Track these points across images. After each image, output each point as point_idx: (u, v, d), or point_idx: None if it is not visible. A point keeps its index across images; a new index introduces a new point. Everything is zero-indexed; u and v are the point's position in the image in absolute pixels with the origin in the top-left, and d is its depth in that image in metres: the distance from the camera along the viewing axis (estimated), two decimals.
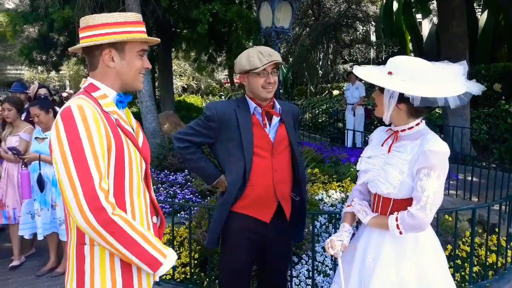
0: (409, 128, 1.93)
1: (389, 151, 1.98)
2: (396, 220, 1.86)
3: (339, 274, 2.00)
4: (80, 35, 1.63)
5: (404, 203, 1.89)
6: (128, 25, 1.61)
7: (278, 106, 2.43)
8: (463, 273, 3.74)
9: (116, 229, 1.44)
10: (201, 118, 2.39)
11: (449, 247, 3.82)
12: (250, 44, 11.47)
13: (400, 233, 1.86)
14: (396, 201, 1.93)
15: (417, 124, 1.93)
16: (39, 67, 12.99)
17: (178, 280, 3.75)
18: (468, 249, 3.90)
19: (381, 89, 1.91)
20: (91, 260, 1.55)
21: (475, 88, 1.83)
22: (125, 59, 1.64)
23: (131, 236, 1.48)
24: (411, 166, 1.85)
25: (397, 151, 1.93)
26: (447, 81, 1.82)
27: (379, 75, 1.92)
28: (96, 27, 1.58)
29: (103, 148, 1.48)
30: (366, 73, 1.98)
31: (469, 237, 3.96)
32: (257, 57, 2.27)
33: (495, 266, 3.91)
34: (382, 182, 1.94)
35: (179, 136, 2.41)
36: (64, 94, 11.31)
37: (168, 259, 1.62)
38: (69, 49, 1.74)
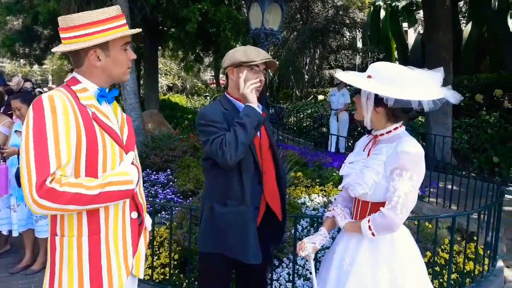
0: (387, 132, 1.97)
1: (368, 154, 2.02)
2: (368, 222, 1.89)
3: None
4: (62, 35, 1.62)
5: (382, 207, 1.90)
6: (109, 22, 1.62)
7: (261, 106, 2.42)
8: (441, 280, 3.78)
9: (71, 197, 1.43)
10: (207, 126, 2.17)
11: (428, 254, 3.86)
12: (239, 45, 11.45)
13: (373, 234, 1.88)
14: (374, 205, 1.95)
15: (395, 129, 1.96)
16: (22, 60, 12.76)
17: (157, 280, 3.70)
18: (446, 256, 3.94)
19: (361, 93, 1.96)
20: (60, 251, 1.59)
21: (452, 96, 1.86)
22: (110, 56, 1.65)
23: (90, 194, 1.48)
24: (386, 167, 1.88)
25: (375, 154, 1.97)
26: (425, 86, 1.86)
27: (358, 78, 1.97)
28: (76, 28, 1.58)
29: (69, 138, 1.48)
30: (346, 76, 2.02)
31: (448, 245, 4.00)
32: (255, 52, 2.27)
33: (472, 274, 3.96)
34: (359, 184, 1.98)
35: (212, 143, 2.08)
36: (46, 89, 11.12)
37: (131, 173, 1.63)
38: (52, 50, 1.76)
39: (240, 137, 2.03)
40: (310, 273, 3.63)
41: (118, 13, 1.66)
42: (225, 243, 2.20)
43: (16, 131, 4.10)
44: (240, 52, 2.28)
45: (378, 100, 1.87)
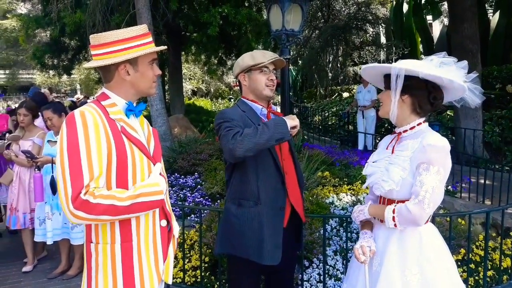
0: (411, 128, 1.97)
1: (392, 152, 2.01)
2: (393, 212, 1.87)
3: (365, 280, 1.96)
4: (93, 52, 1.73)
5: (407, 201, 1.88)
6: (138, 39, 1.72)
7: (274, 106, 2.46)
8: (476, 278, 3.69)
9: (104, 209, 1.52)
10: (223, 122, 2.19)
11: (463, 251, 3.77)
12: (260, 47, 11.49)
13: (395, 225, 1.88)
14: (400, 203, 1.92)
15: (418, 124, 1.96)
16: (51, 71, 13.13)
17: (189, 283, 3.75)
18: (481, 253, 3.85)
19: (388, 87, 1.96)
20: (96, 257, 1.68)
21: (471, 98, 1.89)
22: (138, 71, 1.75)
23: (122, 205, 1.56)
24: (412, 162, 1.87)
25: (399, 150, 1.96)
26: (454, 74, 1.86)
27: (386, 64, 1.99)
28: (108, 45, 1.68)
29: (100, 151, 1.57)
30: (375, 63, 2.04)
31: (483, 241, 3.90)
32: (261, 54, 2.36)
33: (509, 271, 3.85)
34: (384, 180, 1.96)
35: (231, 139, 2.05)
36: (75, 99, 11.41)
37: (161, 184, 1.71)
38: (84, 66, 1.88)
39: (259, 136, 2.01)
40: (342, 273, 3.60)
41: (146, 31, 1.76)
42: (240, 244, 2.22)
43: (48, 140, 4.23)
44: (247, 57, 2.37)
45: (405, 87, 1.88)
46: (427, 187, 1.79)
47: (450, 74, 1.83)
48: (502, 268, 3.78)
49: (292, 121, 2.14)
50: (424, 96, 1.90)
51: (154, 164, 1.79)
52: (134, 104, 1.81)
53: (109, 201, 1.52)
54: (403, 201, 1.90)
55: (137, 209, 1.61)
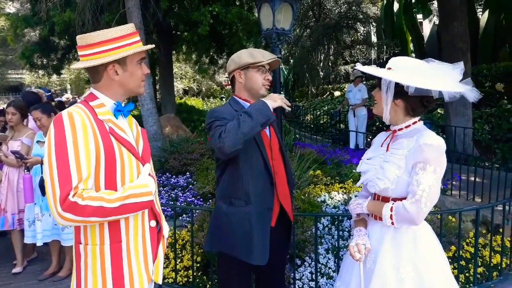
0: (406, 127, 1.97)
1: (387, 150, 2.01)
2: (391, 210, 1.88)
3: (359, 278, 1.97)
4: (80, 53, 1.70)
5: (405, 200, 1.88)
6: (126, 38, 1.70)
7: None
8: (467, 274, 3.72)
9: (93, 210, 1.50)
10: (214, 121, 2.19)
11: (453, 248, 3.80)
12: (251, 46, 11.47)
13: (392, 223, 1.88)
14: (395, 200, 1.93)
15: (414, 123, 1.96)
16: (40, 71, 12.99)
17: (181, 283, 3.73)
18: (472, 250, 3.88)
19: (381, 86, 1.95)
20: (85, 258, 1.67)
21: (470, 94, 1.84)
22: (127, 71, 1.74)
23: (111, 207, 1.55)
24: (407, 161, 1.88)
25: (395, 148, 1.96)
26: (445, 77, 1.85)
27: (378, 69, 1.96)
28: (96, 45, 1.66)
29: (89, 153, 1.56)
30: (366, 67, 2.02)
31: (473, 238, 3.94)
32: (260, 53, 2.35)
33: (499, 267, 3.89)
34: (379, 178, 1.96)
35: (217, 138, 2.04)
36: (63, 99, 11.32)
37: (150, 185, 1.69)
38: (71, 67, 1.85)
39: (242, 127, 2.00)
40: (333, 271, 3.61)
41: (133, 30, 1.74)
42: (229, 243, 2.21)
43: (38, 141, 4.19)
44: (246, 55, 2.34)
45: (398, 92, 1.88)
46: (424, 186, 1.80)
47: (440, 84, 1.81)
48: (492, 264, 3.82)
49: (274, 103, 2.13)
50: (417, 100, 1.90)
51: (143, 165, 1.77)
52: (123, 104, 1.79)
53: (97, 202, 1.51)
54: (398, 199, 1.91)
55: (126, 210, 1.60)
